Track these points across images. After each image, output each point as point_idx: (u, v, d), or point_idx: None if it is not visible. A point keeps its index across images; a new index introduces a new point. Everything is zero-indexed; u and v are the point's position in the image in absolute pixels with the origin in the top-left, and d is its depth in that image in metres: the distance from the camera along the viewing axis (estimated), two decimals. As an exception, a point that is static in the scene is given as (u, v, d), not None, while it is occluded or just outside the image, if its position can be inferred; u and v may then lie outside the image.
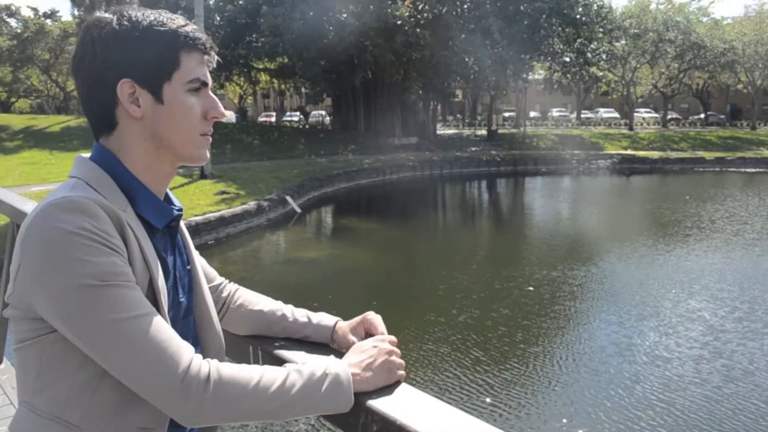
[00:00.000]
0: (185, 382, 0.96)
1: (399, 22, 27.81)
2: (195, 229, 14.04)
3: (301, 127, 42.40)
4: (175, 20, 1.12)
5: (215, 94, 1.19)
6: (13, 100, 55.56)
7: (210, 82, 1.16)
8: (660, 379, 6.83)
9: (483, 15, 30.32)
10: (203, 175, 19.84)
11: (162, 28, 1.10)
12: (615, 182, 29.61)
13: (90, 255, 0.95)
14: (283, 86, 45.96)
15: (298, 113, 50.65)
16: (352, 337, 1.29)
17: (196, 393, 0.96)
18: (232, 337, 1.41)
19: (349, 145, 31.05)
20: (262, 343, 1.34)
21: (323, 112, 47.75)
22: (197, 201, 16.03)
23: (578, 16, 33.09)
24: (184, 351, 0.99)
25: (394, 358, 1.14)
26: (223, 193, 17.30)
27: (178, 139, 1.13)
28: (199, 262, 1.33)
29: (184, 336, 1.13)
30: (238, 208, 15.85)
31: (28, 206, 2.81)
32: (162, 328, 0.99)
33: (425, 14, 30.01)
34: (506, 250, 14.69)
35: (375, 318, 1.33)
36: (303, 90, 38.47)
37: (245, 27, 32.60)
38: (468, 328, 8.55)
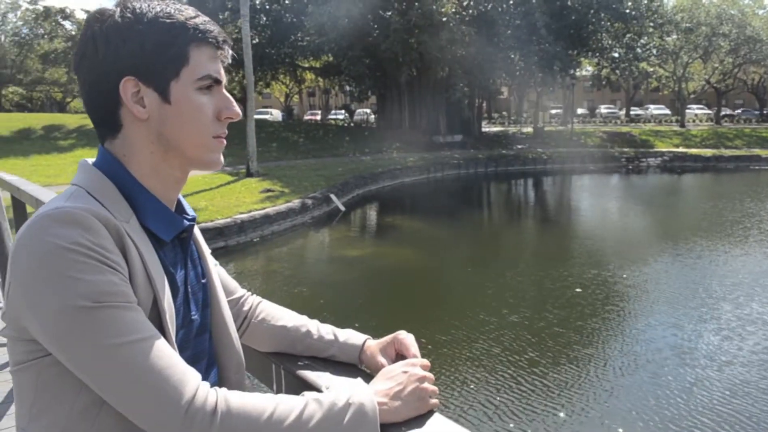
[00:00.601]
0: (189, 414, 0.85)
1: (444, 19, 27.57)
2: (240, 227, 14.12)
3: (345, 125, 42.51)
4: (184, 11, 1.01)
5: (230, 94, 1.08)
6: (68, 100, 57.17)
7: (224, 79, 1.06)
8: (724, 384, 6.49)
9: (529, 11, 29.88)
10: (249, 173, 20.00)
11: (168, 20, 0.99)
12: (666, 181, 28.79)
13: (84, 273, 0.85)
14: (328, 84, 46.16)
15: (343, 111, 50.76)
16: (381, 359, 1.18)
17: (200, 426, 0.84)
18: (255, 353, 1.32)
19: (393, 143, 30.94)
20: (285, 361, 1.24)
21: (368, 110, 47.77)
22: (243, 199, 16.13)
23: (627, 11, 32.33)
24: (189, 379, 0.87)
25: (426, 385, 1.03)
26: (269, 191, 17.38)
27: (187, 142, 1.03)
28: (218, 274, 1.23)
29: (197, 355, 1.08)
30: (282, 206, 15.87)
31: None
32: (164, 353, 0.88)
33: (470, 10, 29.73)
34: (554, 250, 14.33)
35: (407, 338, 1.21)
36: (348, 88, 38.48)
37: (291, 26, 32.80)
38: (521, 329, 8.33)
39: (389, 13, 28.27)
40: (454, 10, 28.18)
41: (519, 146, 34.43)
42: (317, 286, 11.58)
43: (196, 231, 1.19)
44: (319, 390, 1.08)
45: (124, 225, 0.94)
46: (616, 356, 7.50)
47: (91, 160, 1.03)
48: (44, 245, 0.85)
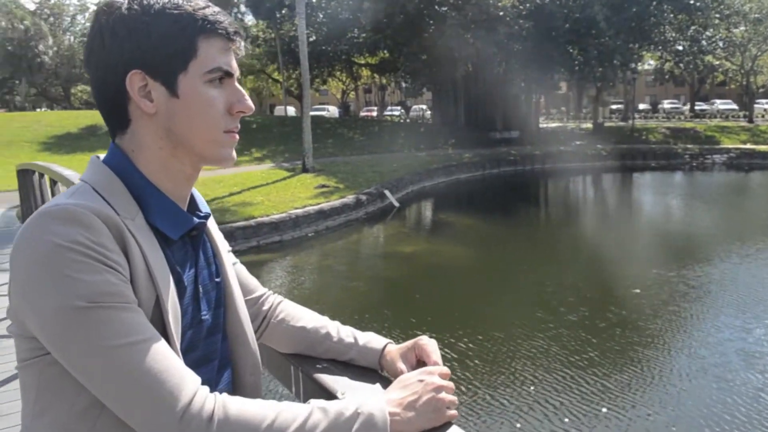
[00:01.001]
0: (184, 419, 0.82)
1: (501, 14, 27.23)
2: (295, 222, 14.26)
3: (401, 121, 42.48)
4: (193, 2, 0.98)
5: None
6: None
7: (236, 72, 1.01)
8: (796, 392, 6.17)
9: (588, 3, 29.19)
10: (305, 169, 20.19)
11: (176, 11, 0.96)
12: (732, 178, 27.71)
13: (81, 272, 0.83)
14: (384, 81, 46.23)
15: (399, 108, 50.76)
16: (401, 365, 1.12)
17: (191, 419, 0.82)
18: (275, 354, 1.28)
19: (448, 139, 30.74)
20: (303, 363, 1.20)
21: (424, 107, 47.63)
22: (298, 194, 16.29)
23: (692, 2, 31.26)
24: (187, 384, 0.84)
25: (443, 395, 0.97)
26: (323, 186, 17.50)
27: (196, 137, 0.99)
28: (235, 272, 1.19)
29: (208, 356, 1.06)
30: (337, 202, 15.96)
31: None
32: (162, 355, 0.85)
33: (528, 4, 29.24)
34: (614, 249, 13.94)
35: (428, 344, 1.14)
36: (403, 84, 38.46)
37: (347, 23, 32.95)
38: (580, 328, 8.14)
39: (445, 9, 28.06)
40: (511, 4, 27.77)
41: (577, 142, 33.66)
42: (372, 281, 11.59)
43: (213, 228, 1.16)
44: (334, 395, 1.05)
45: (128, 222, 0.92)
46: (681, 359, 7.23)
47: (102, 156, 1.01)
48: (42, 243, 0.83)
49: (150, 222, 0.96)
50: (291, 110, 44.93)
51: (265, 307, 1.28)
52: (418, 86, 34.52)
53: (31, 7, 52.20)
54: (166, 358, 0.85)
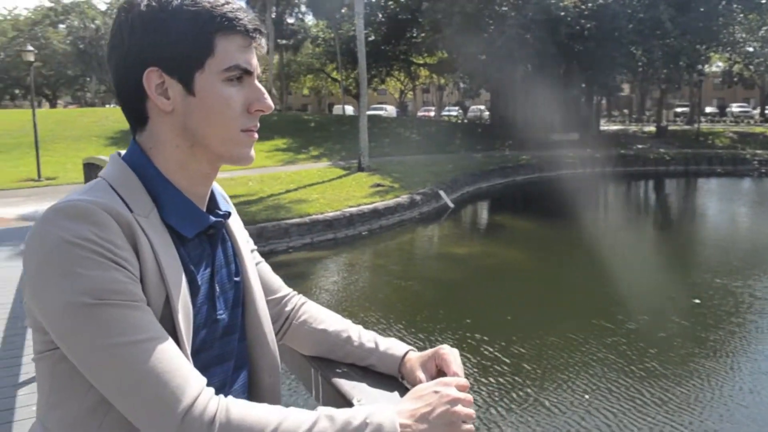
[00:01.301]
0: (185, 422, 0.81)
1: (562, 14, 26.74)
2: (349, 220, 14.34)
3: (459, 121, 42.25)
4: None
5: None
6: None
7: (256, 69, 1.00)
8: None
9: (653, 3, 28.36)
10: (360, 168, 20.30)
11: (193, 8, 0.94)
12: (806, 186, 26.46)
13: (87, 269, 0.82)
14: (442, 81, 46.09)
15: (456, 108, 50.51)
16: (420, 374, 1.10)
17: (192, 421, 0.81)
18: (298, 356, 1.28)
19: (506, 140, 30.40)
20: (323, 367, 1.18)
21: (482, 107, 47.26)
22: (353, 193, 16.38)
23: (763, 1, 29.94)
24: (191, 385, 0.83)
25: (459, 408, 0.93)
26: (378, 185, 17.54)
27: (213, 136, 0.98)
28: (257, 272, 1.18)
29: (223, 355, 1.05)
30: (391, 201, 15.97)
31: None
32: (167, 355, 0.84)
33: (590, 4, 28.62)
34: (676, 256, 13.51)
35: (449, 354, 1.11)
36: (462, 85, 38.25)
37: (406, 23, 33.00)
38: (638, 337, 7.89)
39: (505, 8, 27.75)
40: (573, 4, 27.24)
41: (639, 146, 32.78)
42: (425, 281, 11.54)
43: (236, 226, 1.15)
44: (350, 402, 1.04)
45: (141, 220, 0.91)
46: (744, 374, 6.92)
47: (122, 153, 1.02)
48: (52, 239, 0.83)
49: (165, 220, 0.96)
50: (349, 109, 45.27)
51: (288, 308, 1.27)
52: (477, 87, 34.25)
53: (102, 7, 54.14)
54: (172, 359, 0.84)
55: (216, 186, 1.16)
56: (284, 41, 45.60)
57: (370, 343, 1.19)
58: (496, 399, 6.33)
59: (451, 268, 12.47)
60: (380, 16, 34.57)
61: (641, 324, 8.38)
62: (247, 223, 12.82)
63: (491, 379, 6.77)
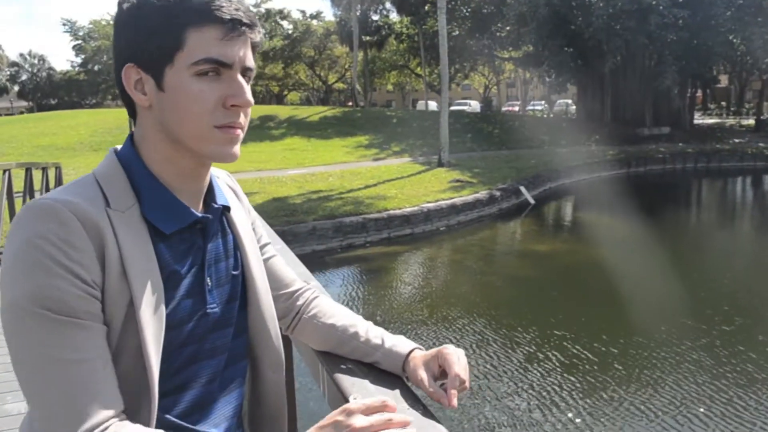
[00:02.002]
0: None
1: (653, 2, 25.69)
2: (426, 216, 14.41)
3: (544, 116, 41.41)
4: None
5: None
6: (285, 93, 62.11)
7: (241, 62, 0.96)
8: None
9: (756, -12, 26.76)
10: (440, 164, 20.31)
11: (170, 4, 0.93)
12: None
13: (36, 274, 0.85)
14: (527, 75, 45.31)
15: (542, 102, 49.50)
16: (422, 373, 1.09)
17: None
18: (308, 349, 1.30)
19: (592, 135, 29.56)
20: (329, 362, 1.18)
21: (569, 101, 46.10)
22: (431, 188, 16.43)
23: None
24: (94, 413, 0.83)
25: None
26: (457, 181, 17.50)
27: (185, 132, 0.97)
28: (263, 267, 1.18)
29: (214, 350, 1.05)
30: (469, 197, 15.92)
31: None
32: (79, 379, 0.84)
33: (684, -9, 27.35)
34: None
35: (451, 354, 1.09)
36: (548, 79, 37.45)
37: (490, 17, 32.64)
38: (736, 340, 7.54)
39: (593, -1, 26.93)
40: (665, -9, 26.13)
41: (736, 140, 31.05)
42: (503, 278, 11.47)
43: (239, 219, 1.15)
44: (346, 398, 1.03)
45: (116, 215, 0.93)
46: None
47: (118, 147, 1.04)
48: (18, 238, 0.87)
49: (144, 215, 0.97)
50: (433, 105, 45.22)
51: (299, 302, 1.27)
52: (563, 80, 33.46)
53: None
54: (84, 383, 0.84)
55: (223, 178, 1.20)
56: (368, 38, 46.05)
57: (377, 340, 1.18)
58: (585, 397, 6.26)
59: (530, 264, 12.32)
60: (464, 10, 34.33)
61: (738, 326, 8.02)
62: (326, 218, 13.21)
63: (579, 377, 6.72)
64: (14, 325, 0.85)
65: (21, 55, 67.08)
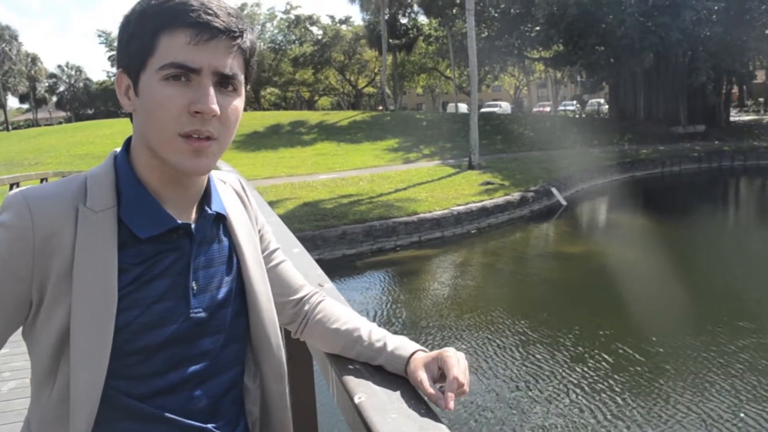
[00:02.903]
0: None
1: (687, -3, 25.29)
2: (456, 219, 14.39)
3: (576, 116, 40.97)
4: None
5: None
6: (315, 98, 62.51)
7: (202, 67, 0.93)
8: None
9: (792, -20, 26.16)
10: (471, 166, 20.23)
11: (142, 8, 0.95)
12: None
13: None
14: (558, 75, 44.90)
15: (574, 102, 48.98)
16: (421, 374, 1.07)
17: None
18: (319, 352, 1.30)
19: (625, 134, 29.17)
20: (337, 363, 1.18)
21: (601, 100, 45.54)
22: (461, 191, 16.39)
23: None
24: None
25: None
26: (488, 183, 17.42)
27: (152, 138, 0.97)
28: (265, 275, 1.17)
29: (201, 355, 1.04)
30: (500, 199, 15.84)
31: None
32: None
33: (718, -14, 26.87)
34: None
35: (451, 357, 1.08)
36: (579, 78, 37.03)
37: (519, 17, 32.42)
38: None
39: (625, -4, 26.60)
40: (699, -14, 25.71)
41: (775, 137, 30.34)
42: (527, 283, 11.38)
43: (239, 226, 1.14)
44: (352, 398, 1.04)
45: (87, 214, 0.96)
46: None
47: (119, 149, 1.06)
48: None
49: (121, 217, 0.98)
50: (463, 107, 45.10)
51: (306, 308, 1.27)
52: (596, 80, 33.08)
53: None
54: None
55: (231, 183, 1.20)
56: (397, 41, 46.13)
57: (380, 343, 1.16)
58: (636, 398, 6.23)
59: (558, 267, 12.21)
60: (493, 12, 34.17)
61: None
62: (356, 221, 13.26)
63: (627, 377, 6.68)
64: None
65: (59, 66, 69.08)
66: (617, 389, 6.43)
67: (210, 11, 0.93)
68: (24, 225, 0.92)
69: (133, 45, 0.95)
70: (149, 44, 0.93)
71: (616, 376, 6.72)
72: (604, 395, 6.31)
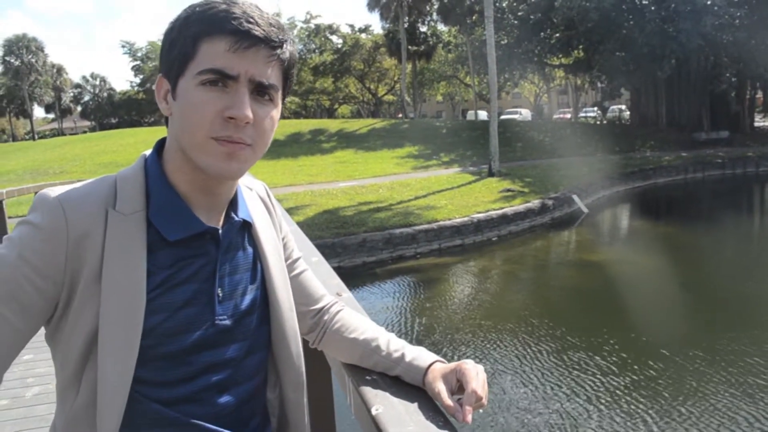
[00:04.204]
0: None
1: (708, 2, 25.04)
2: (476, 226, 14.33)
3: (597, 123, 40.71)
4: (214, 4, 0.95)
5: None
6: (335, 106, 62.81)
7: (239, 74, 0.94)
8: None
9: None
10: (491, 173, 20.18)
11: (185, 15, 0.97)
12: None
13: (9, 247, 0.93)
14: (579, 82, 44.67)
15: (594, 109, 48.68)
16: (439, 385, 1.06)
17: None
18: (336, 362, 1.30)
19: (647, 140, 28.93)
20: (355, 373, 1.18)
21: (622, 107, 45.21)
22: (481, 198, 16.34)
23: None
24: None
25: None
26: (508, 191, 17.35)
27: (185, 141, 0.98)
28: (288, 284, 1.17)
29: (223, 363, 1.04)
30: (520, 206, 15.76)
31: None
32: None
33: (741, -9, 26.59)
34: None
35: (470, 369, 1.06)
36: (599, 84, 36.80)
37: (538, 23, 32.33)
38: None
39: (645, 1, 26.41)
40: (721, -9, 25.45)
41: (801, 143, 29.88)
42: (548, 291, 11.30)
43: (265, 235, 1.14)
44: (369, 410, 1.03)
45: (117, 217, 0.96)
46: None
47: (149, 152, 1.06)
48: (28, 212, 0.97)
49: (150, 219, 0.99)
50: (483, 114, 45.00)
51: (326, 317, 1.27)
52: (616, 86, 32.87)
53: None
54: None
55: (257, 191, 1.21)
56: (416, 49, 46.21)
57: (398, 353, 1.15)
58: (683, 404, 6.17)
59: (578, 275, 12.08)
60: (512, 18, 34.11)
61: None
62: (376, 229, 13.27)
63: (651, 390, 6.59)
64: None
65: (83, 77, 70.26)
66: (646, 402, 6.33)
67: (251, 20, 0.94)
68: (58, 226, 0.92)
69: (175, 50, 0.96)
70: (190, 50, 0.95)
71: (644, 390, 6.61)
72: (636, 408, 6.21)
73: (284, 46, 0.98)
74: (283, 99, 1.04)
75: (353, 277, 11.57)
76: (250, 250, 1.11)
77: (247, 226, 1.12)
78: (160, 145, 1.06)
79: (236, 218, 1.08)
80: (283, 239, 1.23)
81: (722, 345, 7.59)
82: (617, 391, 6.57)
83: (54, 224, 0.92)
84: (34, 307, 0.93)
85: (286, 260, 1.22)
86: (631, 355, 7.47)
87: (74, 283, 0.93)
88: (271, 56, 0.96)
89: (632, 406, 6.21)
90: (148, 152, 1.06)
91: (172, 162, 1.02)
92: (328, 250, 12.02)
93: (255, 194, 1.20)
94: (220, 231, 1.05)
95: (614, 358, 7.41)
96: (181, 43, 0.96)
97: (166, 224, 0.99)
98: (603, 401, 6.37)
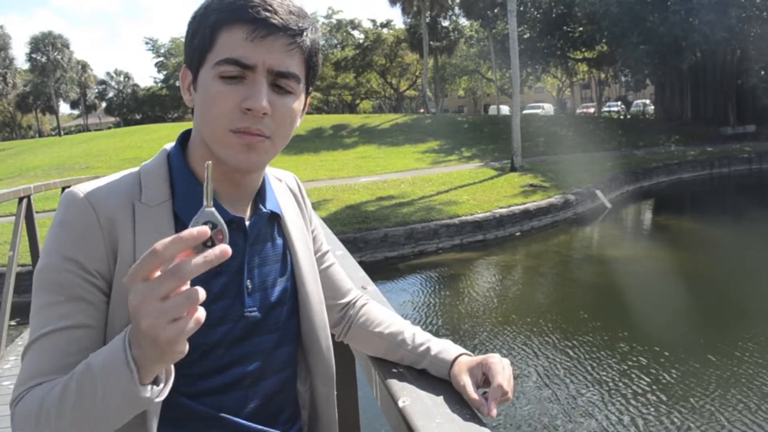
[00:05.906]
0: (14, 404, 0.87)
1: (733, -6, 24.64)
2: (499, 221, 14.28)
3: (621, 117, 40.26)
4: None
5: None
6: (357, 101, 62.83)
7: (257, 63, 0.92)
8: None
9: None
10: (513, 168, 20.07)
11: (210, 5, 0.95)
12: None
13: (50, 252, 0.92)
14: (602, 75, 44.22)
15: (618, 103, 48.12)
16: (466, 377, 1.05)
17: (11, 416, 0.87)
18: (362, 355, 1.30)
19: (672, 135, 28.55)
20: (381, 367, 1.18)
21: (647, 101, 44.65)
22: (504, 193, 16.27)
23: None
24: (33, 378, 0.87)
25: (169, 303, 0.71)
26: (530, 186, 17.25)
27: (206, 133, 0.97)
28: (317, 277, 1.16)
29: (252, 354, 1.03)
30: (543, 202, 15.67)
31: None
32: (44, 349, 0.89)
33: (769, -19, 26.11)
34: None
35: (496, 363, 1.06)
36: (623, 78, 36.38)
37: (560, 17, 32.09)
38: None
39: (669, -7, 26.05)
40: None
41: (831, 137, 29.27)
42: (581, 286, 11.21)
43: (293, 226, 1.13)
44: (396, 402, 1.02)
45: (143, 209, 0.96)
46: None
47: (171, 145, 1.06)
48: (54, 220, 0.95)
49: (176, 210, 0.98)
50: (505, 109, 44.73)
51: (351, 311, 1.27)
52: (640, 79, 32.48)
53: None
54: (46, 351, 0.88)
55: (287, 182, 1.20)
56: (437, 43, 46.05)
57: (423, 347, 1.15)
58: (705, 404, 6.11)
59: (601, 271, 11.98)
60: (534, 12, 33.86)
61: None
62: (398, 224, 13.27)
63: (680, 388, 6.54)
64: (34, 287, 0.93)
65: (108, 73, 71.16)
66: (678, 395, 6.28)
67: (269, 8, 0.92)
68: (90, 222, 0.92)
69: (195, 40, 0.95)
70: (209, 39, 0.93)
71: (669, 390, 6.54)
72: (664, 407, 6.16)
73: (304, 33, 0.96)
74: (308, 88, 1.02)
75: (375, 272, 11.57)
76: (279, 241, 1.11)
77: (275, 218, 1.11)
78: (183, 137, 1.06)
79: (264, 209, 1.07)
80: (312, 231, 1.22)
81: (750, 345, 7.48)
82: (639, 389, 6.51)
83: (86, 221, 0.92)
84: (96, 301, 0.92)
85: (315, 253, 1.21)
86: (654, 354, 7.40)
87: (113, 273, 0.94)
88: (291, 44, 0.94)
89: (656, 407, 6.16)
90: (169, 145, 1.06)
91: (195, 152, 1.02)
92: (349, 245, 12.03)
93: (284, 186, 1.19)
94: (247, 222, 1.04)
95: (639, 358, 7.34)
96: (201, 34, 0.95)
97: (192, 215, 0.94)
98: (632, 401, 6.32)
